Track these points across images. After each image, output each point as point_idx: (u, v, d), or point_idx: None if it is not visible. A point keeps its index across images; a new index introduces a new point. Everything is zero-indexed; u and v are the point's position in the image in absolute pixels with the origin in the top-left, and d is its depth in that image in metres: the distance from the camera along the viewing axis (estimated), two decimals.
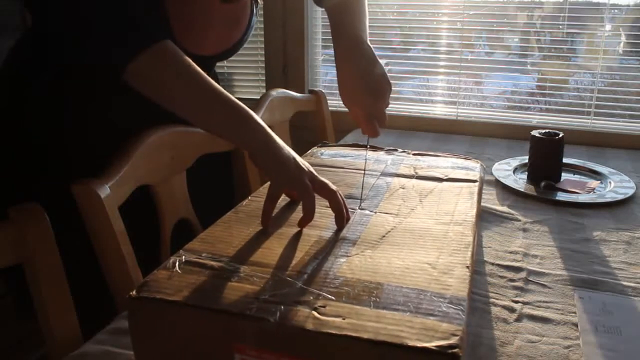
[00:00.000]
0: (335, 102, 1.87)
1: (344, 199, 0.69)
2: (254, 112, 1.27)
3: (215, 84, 0.71)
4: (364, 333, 0.45)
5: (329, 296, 0.51)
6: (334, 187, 0.69)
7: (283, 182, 0.69)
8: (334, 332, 0.45)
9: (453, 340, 0.44)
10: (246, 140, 0.70)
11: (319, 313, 0.48)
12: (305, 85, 1.88)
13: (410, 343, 0.44)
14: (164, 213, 0.93)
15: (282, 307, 0.49)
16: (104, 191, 0.76)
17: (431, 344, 0.43)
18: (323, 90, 1.63)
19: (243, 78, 2.05)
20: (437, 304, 0.50)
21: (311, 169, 0.71)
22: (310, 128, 1.64)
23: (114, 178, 0.80)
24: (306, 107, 1.57)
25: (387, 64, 1.87)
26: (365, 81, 0.80)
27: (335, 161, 0.94)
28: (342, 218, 0.66)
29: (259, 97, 1.37)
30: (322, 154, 0.98)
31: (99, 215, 0.75)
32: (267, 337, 0.47)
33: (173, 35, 0.81)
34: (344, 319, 0.47)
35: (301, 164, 0.70)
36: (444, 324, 0.46)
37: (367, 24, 0.90)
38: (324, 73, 1.93)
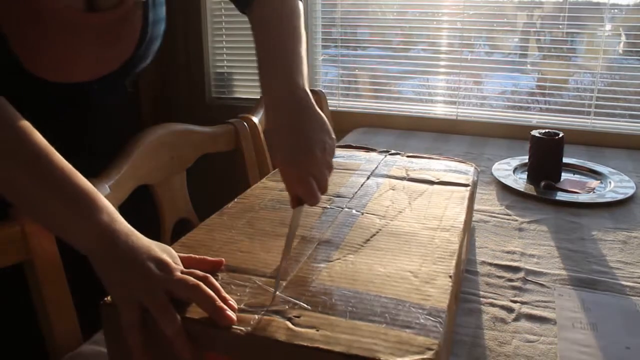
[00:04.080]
0: (335, 102, 1.88)
1: (217, 286, 0.51)
2: (254, 112, 1.29)
3: (48, 153, 0.54)
4: (336, 346, 0.44)
5: (305, 305, 0.50)
6: (197, 276, 0.51)
7: (127, 299, 0.49)
8: (305, 344, 0.44)
9: (427, 355, 0.43)
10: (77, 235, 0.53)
11: (292, 324, 0.47)
12: None
13: (383, 357, 0.43)
14: (164, 213, 0.94)
15: (256, 316, 0.48)
16: (104, 191, 0.76)
17: (404, 359, 0.42)
18: (323, 90, 1.63)
19: (243, 78, 2.06)
20: (415, 315, 0.48)
21: (171, 258, 0.53)
22: None
23: (114, 178, 0.80)
24: None
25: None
26: (298, 138, 0.63)
27: None
28: (219, 315, 0.47)
29: (259, 97, 1.37)
30: None
31: None
32: (238, 347, 0.46)
33: (20, 64, 0.63)
34: (317, 330, 0.46)
35: (154, 263, 0.51)
36: (420, 337, 0.45)
37: (305, 55, 0.71)
38: (324, 73, 1.93)
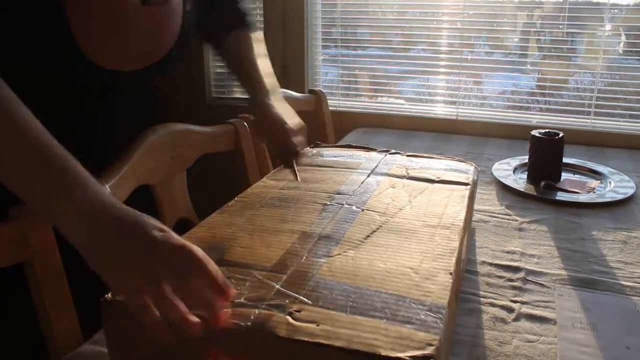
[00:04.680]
0: (335, 102, 1.88)
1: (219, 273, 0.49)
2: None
3: (28, 123, 0.51)
4: (337, 341, 0.44)
5: (306, 300, 0.50)
6: (196, 252, 0.48)
7: (122, 286, 0.48)
8: (306, 339, 0.44)
9: (428, 351, 0.43)
10: (56, 210, 0.49)
11: (293, 318, 0.47)
12: (305, 85, 1.88)
13: (384, 352, 0.43)
14: (164, 213, 0.94)
15: (257, 311, 0.48)
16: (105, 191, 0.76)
17: (405, 354, 0.42)
18: (323, 90, 1.63)
19: None
20: (415, 311, 0.48)
21: (163, 234, 0.49)
22: (310, 128, 1.63)
23: (114, 178, 0.80)
24: (306, 107, 1.57)
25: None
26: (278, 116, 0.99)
27: (325, 161, 0.94)
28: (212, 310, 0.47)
29: None
30: (312, 154, 0.98)
31: None
32: (239, 343, 0.46)
33: (78, 48, 0.69)
34: (317, 325, 0.46)
35: (148, 243, 0.48)
36: (420, 333, 0.45)
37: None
38: (324, 73, 1.93)
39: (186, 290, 0.47)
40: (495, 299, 0.72)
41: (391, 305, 0.49)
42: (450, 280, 0.54)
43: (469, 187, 0.82)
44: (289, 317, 0.47)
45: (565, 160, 1.23)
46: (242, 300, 0.50)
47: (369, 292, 0.51)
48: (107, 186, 0.77)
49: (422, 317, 0.47)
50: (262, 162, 1.22)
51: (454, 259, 0.59)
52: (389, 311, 0.48)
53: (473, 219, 0.97)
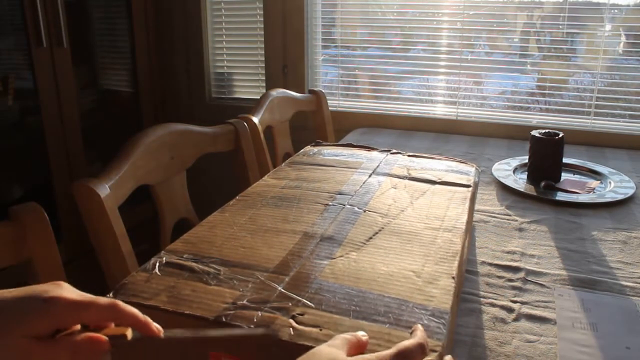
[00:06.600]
0: (335, 102, 1.88)
1: None
2: (254, 112, 1.30)
3: None
4: None
5: (309, 303, 0.50)
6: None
7: None
8: (309, 344, 0.44)
9: (431, 357, 0.43)
10: None
11: (296, 322, 0.47)
12: (305, 85, 1.88)
13: None
14: (164, 213, 0.94)
15: (260, 313, 0.48)
16: (104, 191, 0.76)
17: None
18: (323, 90, 1.63)
19: (243, 78, 2.06)
20: (418, 316, 0.48)
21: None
22: (310, 128, 1.64)
23: (114, 178, 0.80)
24: (306, 107, 1.57)
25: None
26: None
27: (327, 160, 0.94)
28: None
29: (259, 97, 1.37)
30: (313, 153, 0.98)
31: (99, 215, 0.75)
32: (241, 345, 0.46)
33: None
34: (321, 330, 0.46)
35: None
36: None
37: None
38: (324, 73, 1.93)
39: None
40: (495, 299, 0.72)
41: (394, 309, 0.49)
42: (453, 285, 0.54)
43: (470, 189, 0.81)
44: (292, 321, 0.47)
45: (565, 160, 1.23)
46: (244, 302, 0.50)
47: (372, 295, 0.51)
48: (107, 186, 0.77)
49: (425, 322, 0.48)
50: (262, 162, 1.22)
51: (456, 263, 0.59)
52: (392, 315, 0.48)
53: (473, 219, 0.97)
